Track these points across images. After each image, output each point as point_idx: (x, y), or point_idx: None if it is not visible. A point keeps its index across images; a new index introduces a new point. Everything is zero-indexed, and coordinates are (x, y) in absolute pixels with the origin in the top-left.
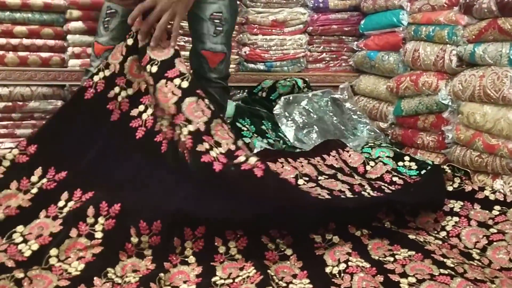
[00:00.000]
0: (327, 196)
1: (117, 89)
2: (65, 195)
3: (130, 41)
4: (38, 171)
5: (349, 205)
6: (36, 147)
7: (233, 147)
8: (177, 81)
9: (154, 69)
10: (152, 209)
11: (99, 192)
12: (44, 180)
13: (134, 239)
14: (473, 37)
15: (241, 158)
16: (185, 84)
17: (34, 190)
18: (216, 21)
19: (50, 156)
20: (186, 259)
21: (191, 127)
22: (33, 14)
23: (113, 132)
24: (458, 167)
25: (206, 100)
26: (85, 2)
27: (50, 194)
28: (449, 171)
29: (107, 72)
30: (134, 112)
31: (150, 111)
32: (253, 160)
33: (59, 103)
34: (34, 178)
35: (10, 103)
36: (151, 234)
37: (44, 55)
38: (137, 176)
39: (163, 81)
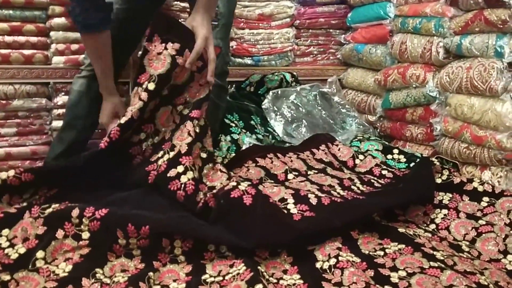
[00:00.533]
0: (316, 192)
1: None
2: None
3: (151, 86)
4: (30, 191)
5: (338, 224)
6: (32, 177)
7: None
8: (195, 122)
9: (186, 111)
10: (140, 217)
11: (85, 203)
12: (36, 197)
13: (122, 241)
14: (460, 28)
15: (232, 184)
16: (198, 129)
17: (24, 204)
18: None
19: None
20: (176, 258)
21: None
22: (14, 11)
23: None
24: (447, 159)
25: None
26: None
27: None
28: (437, 163)
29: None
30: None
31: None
32: (243, 186)
33: (44, 101)
34: (25, 196)
35: None
36: (139, 237)
37: (27, 52)
38: (128, 198)
39: (189, 122)
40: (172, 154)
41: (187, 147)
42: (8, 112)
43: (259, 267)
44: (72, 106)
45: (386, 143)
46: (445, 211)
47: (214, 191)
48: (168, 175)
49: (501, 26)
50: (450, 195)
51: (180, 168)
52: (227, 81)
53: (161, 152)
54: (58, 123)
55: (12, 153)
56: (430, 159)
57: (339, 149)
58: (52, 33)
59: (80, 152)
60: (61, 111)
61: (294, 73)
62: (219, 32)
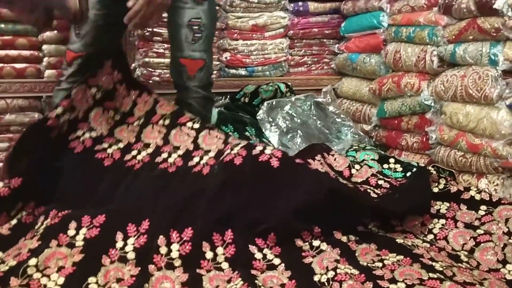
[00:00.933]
0: None
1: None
2: (41, 218)
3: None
4: (19, 205)
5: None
6: (20, 181)
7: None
8: (189, 124)
9: (167, 122)
10: (139, 210)
11: (77, 211)
12: (24, 213)
13: (119, 243)
14: (453, 37)
15: (259, 148)
16: (196, 126)
17: (13, 221)
18: (194, 27)
19: (31, 191)
20: (172, 262)
21: (211, 154)
22: (6, 25)
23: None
24: (443, 168)
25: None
26: None
27: (29, 226)
28: (434, 172)
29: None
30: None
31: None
32: (269, 150)
33: (36, 115)
34: (13, 212)
35: None
36: (138, 234)
37: (19, 66)
38: (118, 194)
39: (178, 127)
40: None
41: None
42: (0, 127)
43: (256, 281)
44: None
45: (382, 152)
46: (443, 221)
47: (211, 154)
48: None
49: (495, 34)
50: (448, 204)
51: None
52: (212, 93)
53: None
54: None
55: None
56: (426, 168)
57: (335, 159)
58: (44, 47)
59: None
60: None
61: (289, 83)
62: (202, 44)
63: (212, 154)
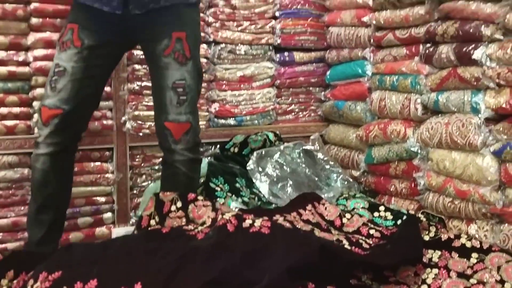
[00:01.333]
0: None
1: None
2: (30, 282)
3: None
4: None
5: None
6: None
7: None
8: (173, 208)
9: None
10: (131, 272)
11: (69, 272)
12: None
13: None
14: (435, 85)
15: (248, 221)
16: (179, 204)
17: None
18: (179, 89)
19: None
20: None
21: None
22: None
23: None
24: (433, 214)
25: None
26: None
27: None
28: (424, 219)
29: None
30: None
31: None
32: (258, 222)
33: (26, 171)
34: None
35: None
36: None
37: (9, 123)
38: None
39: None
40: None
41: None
42: None
43: None
44: (41, 186)
45: (372, 200)
46: (435, 270)
47: (206, 224)
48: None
49: (475, 83)
50: (439, 252)
51: None
52: (200, 151)
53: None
54: None
55: None
56: (416, 216)
57: (325, 208)
58: (35, 103)
59: (61, 230)
60: None
61: (277, 132)
62: (188, 107)
63: (207, 224)
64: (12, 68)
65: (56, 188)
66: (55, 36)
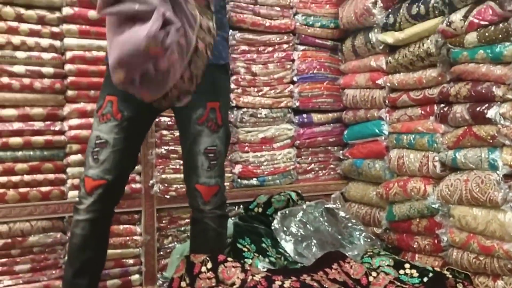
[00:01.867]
0: None
1: None
2: None
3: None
4: None
5: None
6: None
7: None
8: (203, 269)
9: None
10: None
11: None
12: None
13: None
14: (452, 143)
15: (278, 283)
16: (209, 265)
17: None
18: (210, 155)
19: None
20: None
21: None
22: (34, 152)
23: None
24: (458, 270)
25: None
26: (84, 136)
27: None
28: (450, 276)
29: None
30: None
31: None
32: (287, 283)
33: (59, 235)
34: None
35: (9, 240)
36: None
37: (44, 189)
38: None
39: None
40: None
41: None
42: (23, 249)
43: None
44: (79, 251)
45: (397, 257)
46: None
47: (236, 286)
48: None
49: (491, 141)
50: None
51: None
52: (227, 208)
53: None
54: None
55: None
56: (443, 273)
57: (351, 267)
58: (68, 169)
59: None
60: None
61: (299, 191)
62: (217, 171)
63: (236, 285)
64: (49, 137)
65: (94, 253)
66: (89, 106)
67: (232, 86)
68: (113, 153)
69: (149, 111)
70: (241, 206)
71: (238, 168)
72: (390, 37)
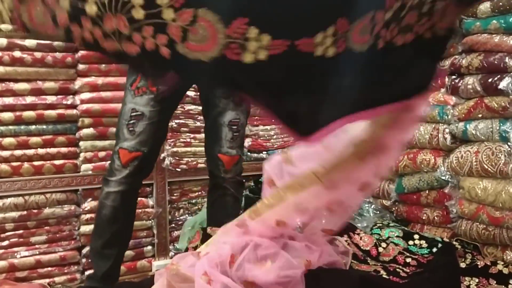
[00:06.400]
0: None
1: None
2: None
3: None
4: None
5: None
6: None
7: None
8: None
9: None
10: None
11: None
12: None
13: None
14: (463, 115)
15: None
16: None
17: None
18: (233, 127)
19: None
20: None
21: None
22: (47, 125)
23: None
24: (467, 241)
25: None
26: (96, 110)
27: None
28: (459, 246)
29: None
30: None
31: None
32: None
33: (73, 207)
34: None
35: (25, 212)
36: None
37: (58, 162)
38: None
39: None
40: None
41: None
42: (38, 221)
43: None
44: (109, 222)
45: (406, 228)
46: None
47: None
48: None
49: (502, 112)
50: (477, 280)
51: None
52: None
53: None
54: (85, 228)
55: (42, 260)
56: (452, 243)
57: (360, 238)
58: (81, 143)
59: (120, 262)
60: (89, 216)
61: None
62: (239, 141)
63: None
64: (61, 111)
65: (123, 225)
66: (100, 80)
67: None
68: (149, 125)
69: (182, 84)
70: (252, 180)
71: (248, 142)
72: None
